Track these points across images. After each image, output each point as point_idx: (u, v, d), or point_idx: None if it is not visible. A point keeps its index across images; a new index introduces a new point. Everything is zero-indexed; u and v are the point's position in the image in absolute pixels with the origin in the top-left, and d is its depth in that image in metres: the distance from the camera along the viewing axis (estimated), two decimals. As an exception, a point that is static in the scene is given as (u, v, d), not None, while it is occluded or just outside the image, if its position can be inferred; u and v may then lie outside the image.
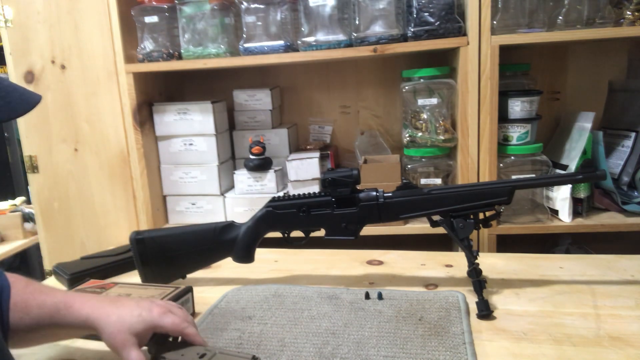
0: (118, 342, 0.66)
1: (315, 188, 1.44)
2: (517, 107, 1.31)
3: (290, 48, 1.39)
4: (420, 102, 1.37)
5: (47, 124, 1.52)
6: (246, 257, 1.01)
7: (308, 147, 1.61)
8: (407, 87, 1.40)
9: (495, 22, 1.24)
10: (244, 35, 1.41)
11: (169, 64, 1.44)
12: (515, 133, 1.32)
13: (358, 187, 0.95)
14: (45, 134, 1.53)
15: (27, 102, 0.56)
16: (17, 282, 0.71)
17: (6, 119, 0.54)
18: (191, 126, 1.50)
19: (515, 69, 1.42)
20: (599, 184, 1.37)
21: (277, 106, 1.66)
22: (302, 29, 1.37)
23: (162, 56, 1.45)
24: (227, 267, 1.11)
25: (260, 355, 0.75)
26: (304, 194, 0.98)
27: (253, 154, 1.49)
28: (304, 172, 1.45)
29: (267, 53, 1.38)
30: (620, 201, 1.33)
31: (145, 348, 0.68)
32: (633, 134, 1.35)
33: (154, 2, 1.43)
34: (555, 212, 1.34)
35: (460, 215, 0.90)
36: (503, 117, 1.31)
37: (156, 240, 1.02)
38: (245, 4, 1.39)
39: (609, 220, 1.31)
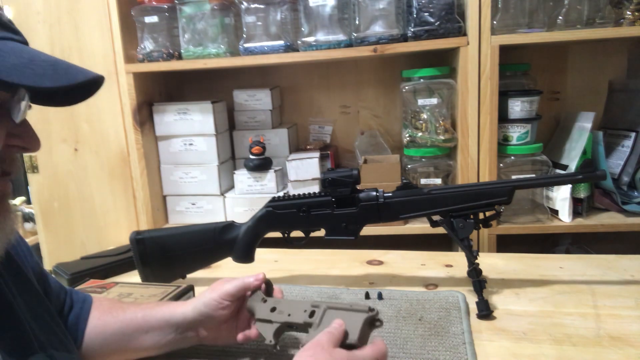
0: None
1: (315, 188, 1.44)
2: (517, 107, 1.31)
3: (290, 48, 1.39)
4: (420, 102, 1.37)
5: (47, 124, 1.52)
6: (246, 257, 1.01)
7: (308, 147, 1.61)
8: (407, 87, 1.40)
9: (495, 22, 1.24)
10: (244, 35, 1.41)
11: (169, 64, 1.44)
12: (515, 133, 1.32)
13: (358, 187, 0.95)
14: (45, 134, 1.52)
15: (85, 73, 0.51)
16: (104, 300, 0.77)
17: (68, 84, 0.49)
18: (191, 126, 1.50)
19: (515, 69, 1.42)
20: (599, 184, 1.37)
21: (277, 106, 1.66)
22: (302, 29, 1.37)
23: (162, 56, 1.45)
24: (227, 267, 1.11)
25: (260, 355, 0.75)
26: (304, 194, 0.98)
27: (253, 154, 1.49)
28: (304, 172, 1.45)
29: (267, 53, 1.38)
30: (620, 201, 1.33)
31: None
32: (633, 134, 1.35)
33: (154, 2, 1.43)
34: (555, 212, 1.34)
35: (460, 215, 0.90)
36: (503, 117, 1.31)
37: (156, 240, 1.02)
38: (245, 4, 1.39)
39: (609, 220, 1.31)
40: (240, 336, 0.71)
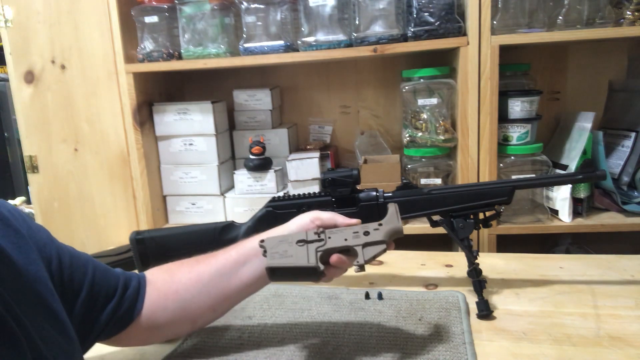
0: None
1: (315, 188, 1.44)
2: (517, 107, 1.31)
3: (290, 48, 1.39)
4: (420, 102, 1.37)
5: (47, 124, 1.52)
6: (246, 257, 1.00)
7: (308, 147, 1.61)
8: (407, 87, 1.40)
9: (495, 22, 1.24)
10: (244, 35, 1.41)
11: (169, 64, 1.44)
12: (515, 133, 1.32)
13: (358, 187, 0.95)
14: (45, 134, 1.53)
15: None
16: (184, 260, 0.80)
17: None
18: (191, 126, 1.50)
19: (515, 69, 1.42)
20: (599, 184, 1.37)
21: (277, 106, 1.66)
22: (302, 29, 1.37)
23: (162, 56, 1.45)
24: (227, 267, 1.11)
25: (260, 356, 0.75)
26: (304, 194, 0.98)
27: (253, 154, 1.49)
28: (304, 172, 1.45)
29: (267, 53, 1.38)
30: (620, 201, 1.33)
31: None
32: (633, 134, 1.35)
33: (154, 2, 1.43)
34: (555, 212, 1.34)
35: (460, 215, 0.90)
36: (503, 117, 1.31)
37: (156, 240, 1.02)
38: (245, 4, 1.39)
39: (609, 220, 1.31)
40: (334, 257, 0.70)
